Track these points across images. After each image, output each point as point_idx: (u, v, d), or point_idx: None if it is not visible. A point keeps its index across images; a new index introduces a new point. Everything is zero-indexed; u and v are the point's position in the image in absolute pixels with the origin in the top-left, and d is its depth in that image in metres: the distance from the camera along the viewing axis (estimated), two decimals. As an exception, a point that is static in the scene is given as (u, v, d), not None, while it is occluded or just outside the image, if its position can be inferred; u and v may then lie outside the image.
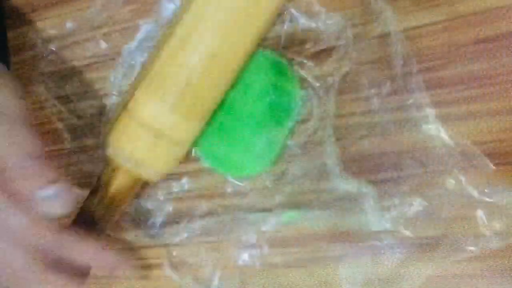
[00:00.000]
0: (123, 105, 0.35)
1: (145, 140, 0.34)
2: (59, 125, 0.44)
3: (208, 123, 0.36)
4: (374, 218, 0.36)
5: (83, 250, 0.33)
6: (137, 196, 0.41)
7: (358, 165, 0.37)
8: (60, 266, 0.32)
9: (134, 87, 0.34)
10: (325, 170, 0.37)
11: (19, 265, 0.31)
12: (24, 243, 0.31)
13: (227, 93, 0.36)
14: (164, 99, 0.33)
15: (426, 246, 0.35)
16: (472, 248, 0.34)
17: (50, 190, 0.30)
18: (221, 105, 0.36)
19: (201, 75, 0.33)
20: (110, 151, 0.35)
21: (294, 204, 0.38)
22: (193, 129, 0.35)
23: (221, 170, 0.40)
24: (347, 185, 0.36)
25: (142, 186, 0.39)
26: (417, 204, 0.35)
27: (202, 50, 0.32)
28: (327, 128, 0.37)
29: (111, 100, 0.43)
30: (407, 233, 0.36)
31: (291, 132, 0.38)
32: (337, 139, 0.37)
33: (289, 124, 0.38)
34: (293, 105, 0.38)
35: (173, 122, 0.33)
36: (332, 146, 0.37)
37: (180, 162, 0.37)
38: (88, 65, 0.44)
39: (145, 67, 0.34)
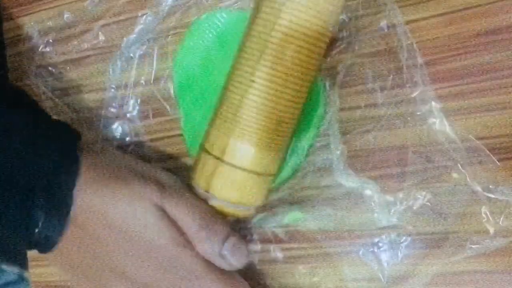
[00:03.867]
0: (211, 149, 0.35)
1: (244, 184, 0.34)
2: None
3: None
4: (379, 215, 0.35)
5: None
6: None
7: (362, 160, 0.36)
8: None
9: (220, 131, 0.35)
10: (330, 165, 0.36)
11: None
12: None
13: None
14: (257, 143, 0.33)
15: (432, 242, 0.35)
16: (476, 245, 0.34)
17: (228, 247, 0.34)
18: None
19: (288, 113, 0.34)
20: (205, 195, 0.35)
21: (296, 200, 0.38)
22: (281, 158, 0.36)
23: None
24: (351, 180, 0.36)
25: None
26: (422, 200, 0.35)
27: (289, 91, 0.33)
28: (332, 122, 0.36)
29: (109, 94, 0.42)
30: (413, 229, 0.35)
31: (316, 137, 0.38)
32: (341, 134, 0.36)
33: (315, 128, 0.37)
34: (317, 105, 0.37)
35: (267, 161, 0.34)
36: (337, 141, 0.36)
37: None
38: (85, 57, 0.43)
39: (226, 110, 0.34)
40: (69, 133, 0.37)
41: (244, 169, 0.34)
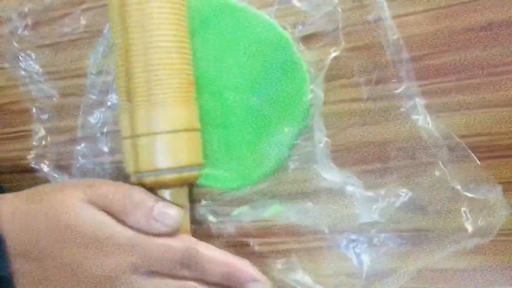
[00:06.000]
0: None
1: (167, 145, 0.35)
2: (34, 104, 0.43)
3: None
4: (360, 211, 0.35)
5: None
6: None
7: (345, 155, 0.36)
8: None
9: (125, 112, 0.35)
10: (312, 158, 0.36)
11: None
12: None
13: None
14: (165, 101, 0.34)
15: (412, 239, 0.35)
16: (454, 243, 0.34)
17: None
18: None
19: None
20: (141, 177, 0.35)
21: (276, 194, 0.37)
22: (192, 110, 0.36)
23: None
24: (333, 175, 0.36)
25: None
26: (404, 197, 0.35)
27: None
28: (316, 115, 0.36)
29: (90, 80, 0.41)
30: (394, 226, 0.35)
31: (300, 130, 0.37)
32: (325, 127, 0.36)
33: (299, 121, 0.37)
34: (302, 97, 0.36)
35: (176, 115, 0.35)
36: (321, 134, 0.36)
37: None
38: (66, 42, 0.42)
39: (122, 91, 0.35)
40: None
41: (160, 132, 0.34)
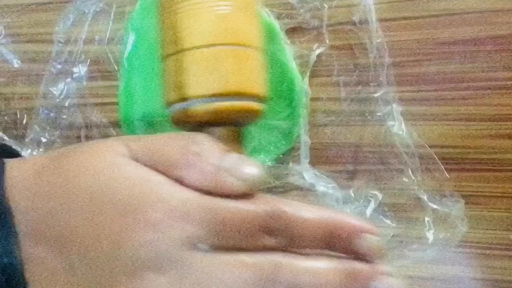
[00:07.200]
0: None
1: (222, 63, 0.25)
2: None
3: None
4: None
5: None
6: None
7: (318, 154, 0.36)
8: None
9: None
10: (288, 157, 0.36)
11: None
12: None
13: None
14: None
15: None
16: (415, 252, 0.34)
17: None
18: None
19: None
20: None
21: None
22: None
23: None
24: (307, 174, 0.35)
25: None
26: (373, 202, 0.35)
27: None
28: (302, 111, 0.35)
29: (56, 48, 0.39)
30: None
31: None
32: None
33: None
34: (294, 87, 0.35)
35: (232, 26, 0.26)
36: (304, 131, 0.35)
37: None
38: (34, 5, 0.39)
39: None
40: None
41: (212, 44, 0.26)
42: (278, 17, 0.36)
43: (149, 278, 0.23)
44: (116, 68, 0.38)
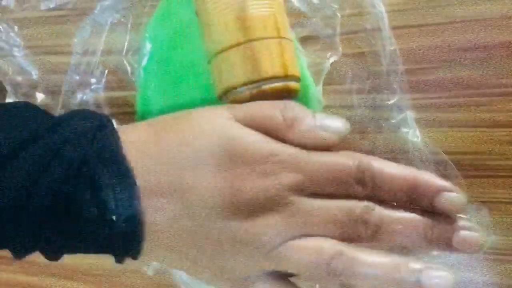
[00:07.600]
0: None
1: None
2: (17, 79, 0.41)
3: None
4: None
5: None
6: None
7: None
8: None
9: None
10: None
11: None
12: None
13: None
14: None
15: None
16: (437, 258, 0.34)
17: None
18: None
19: None
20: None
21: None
22: None
23: None
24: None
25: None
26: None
27: None
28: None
29: (74, 59, 0.40)
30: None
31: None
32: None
33: None
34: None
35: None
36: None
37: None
38: (52, 17, 0.40)
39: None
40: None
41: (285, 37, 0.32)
42: (291, 26, 0.36)
43: (267, 217, 0.28)
44: (133, 78, 0.39)
